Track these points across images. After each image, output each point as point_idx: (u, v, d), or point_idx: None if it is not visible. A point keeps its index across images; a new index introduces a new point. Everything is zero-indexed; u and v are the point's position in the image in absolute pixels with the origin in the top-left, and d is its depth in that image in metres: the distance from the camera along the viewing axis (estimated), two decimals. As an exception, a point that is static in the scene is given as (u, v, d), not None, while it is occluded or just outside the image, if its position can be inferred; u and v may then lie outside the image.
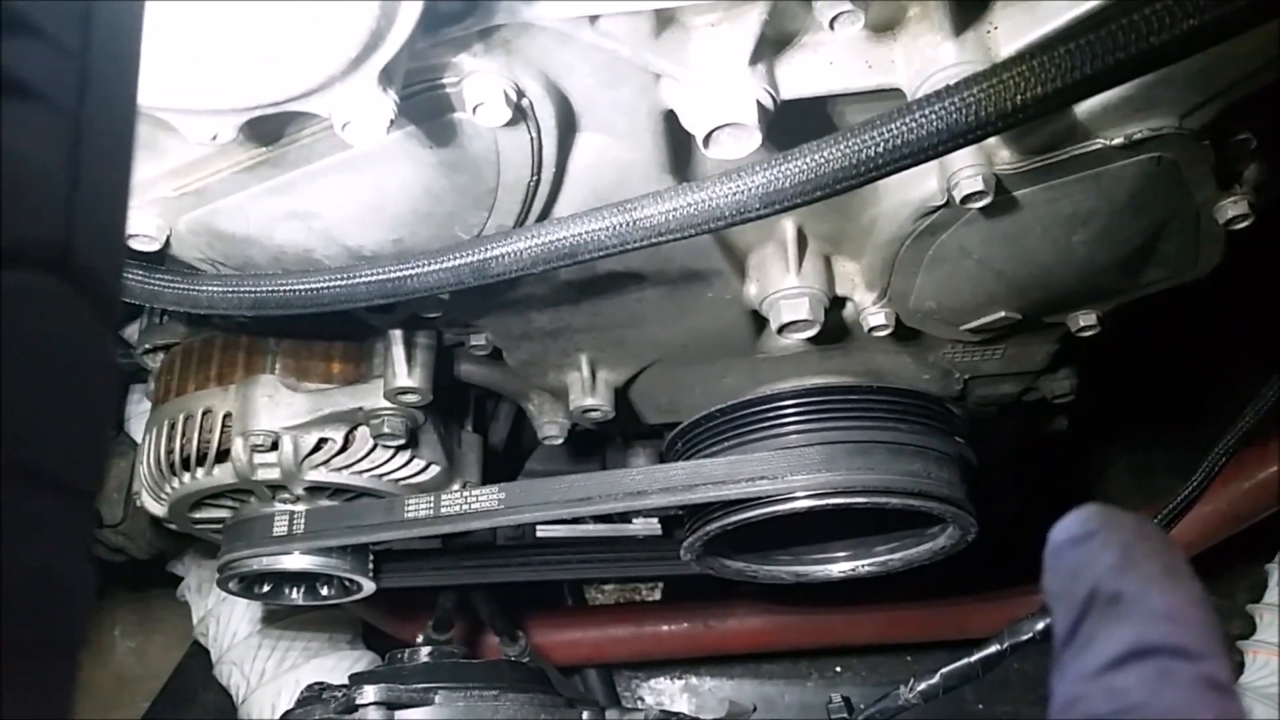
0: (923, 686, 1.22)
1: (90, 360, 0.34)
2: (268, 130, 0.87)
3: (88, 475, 0.33)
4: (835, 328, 1.23)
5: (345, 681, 1.22)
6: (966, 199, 0.95)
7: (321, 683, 1.19)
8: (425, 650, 1.20)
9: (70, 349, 0.33)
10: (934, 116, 0.72)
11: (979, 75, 0.72)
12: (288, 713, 1.14)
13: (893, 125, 0.73)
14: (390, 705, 1.03)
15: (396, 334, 1.22)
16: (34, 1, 0.32)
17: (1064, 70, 0.69)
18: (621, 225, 0.86)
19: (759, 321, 1.24)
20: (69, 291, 0.33)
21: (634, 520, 1.62)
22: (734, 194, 0.81)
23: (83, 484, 0.33)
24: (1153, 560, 0.46)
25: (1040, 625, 1.21)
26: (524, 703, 1.10)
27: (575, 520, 1.53)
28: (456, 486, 1.39)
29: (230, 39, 0.66)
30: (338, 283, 0.94)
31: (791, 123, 0.90)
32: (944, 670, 1.23)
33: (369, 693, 1.03)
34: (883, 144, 0.74)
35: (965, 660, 1.24)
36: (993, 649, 1.24)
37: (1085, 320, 1.22)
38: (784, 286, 1.14)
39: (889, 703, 1.23)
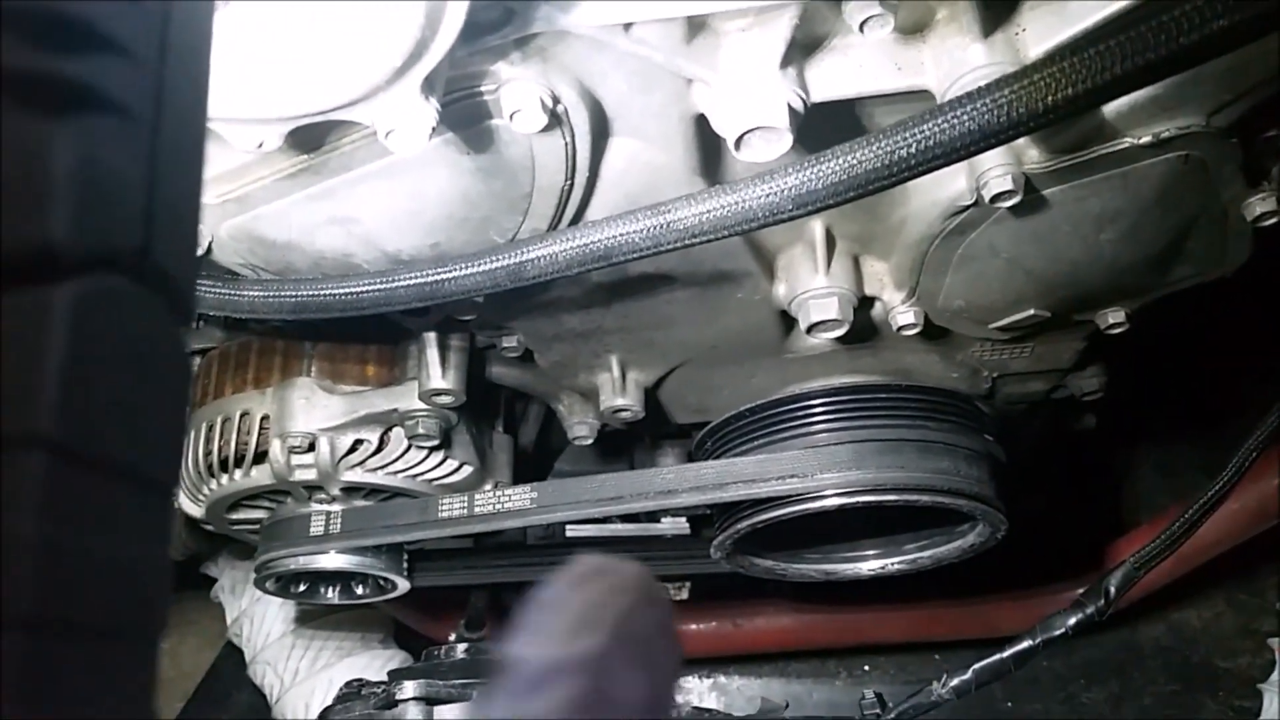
0: (955, 682, 1.23)
1: (167, 358, 0.36)
2: (309, 138, 0.89)
3: (168, 469, 0.35)
4: (864, 327, 1.24)
5: (382, 679, 1.24)
6: (996, 198, 0.96)
7: (360, 679, 1.21)
8: (462, 647, 1.22)
9: (149, 348, 0.35)
10: (966, 117, 0.74)
11: (1010, 76, 0.73)
12: (327, 709, 1.16)
13: (925, 126, 0.74)
14: (429, 701, 1.05)
15: (430, 336, 1.24)
16: (115, 19, 0.34)
17: (1095, 71, 0.70)
18: (655, 228, 0.87)
19: (788, 321, 1.25)
20: (147, 293, 0.35)
21: (662, 519, 1.64)
22: (767, 195, 0.82)
23: (163, 477, 0.35)
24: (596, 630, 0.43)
25: (1073, 621, 1.21)
26: (559, 699, 1.11)
27: (604, 520, 1.55)
28: (488, 486, 1.41)
29: (278, 50, 0.68)
30: (377, 287, 0.95)
31: (820, 125, 0.91)
32: (977, 666, 1.24)
33: (409, 688, 1.04)
34: (915, 145, 0.75)
35: (998, 656, 1.25)
36: (1025, 644, 1.25)
37: (1114, 318, 1.22)
38: (813, 287, 1.15)
39: (922, 698, 1.23)
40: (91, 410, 0.31)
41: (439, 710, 1.05)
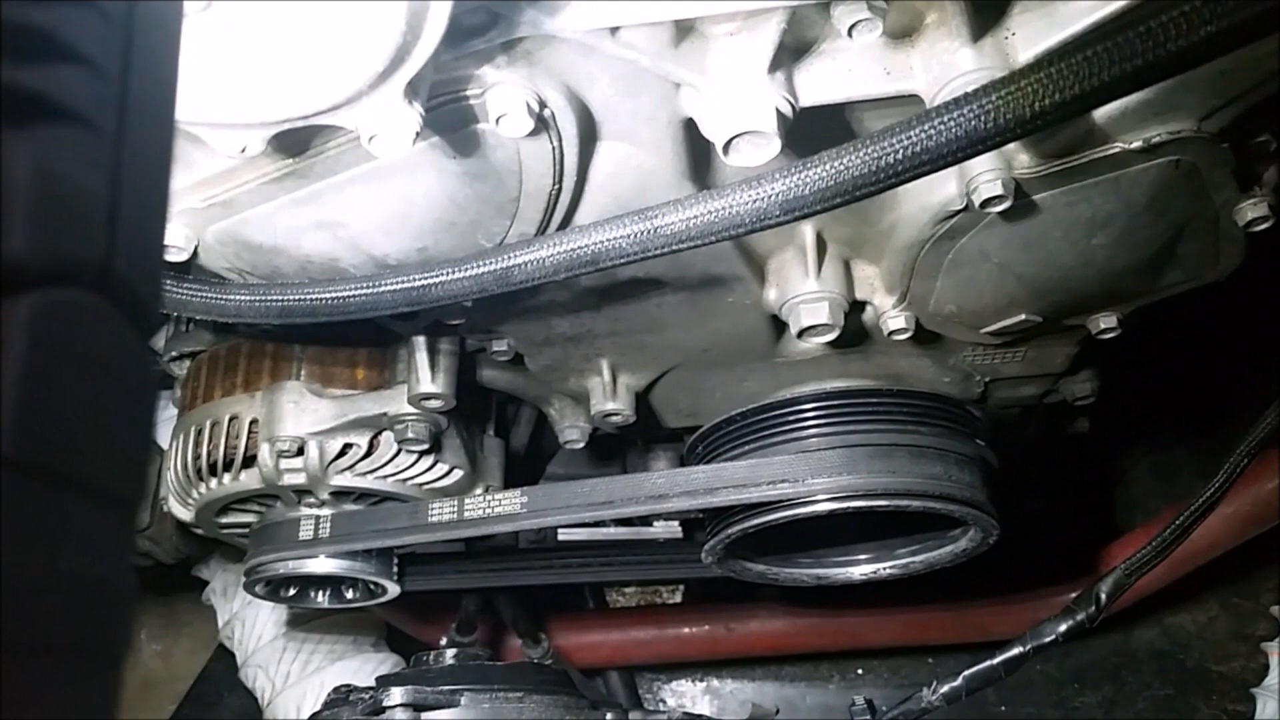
0: (945, 689, 1.22)
1: (130, 373, 0.35)
2: (295, 142, 0.88)
3: (130, 485, 0.34)
4: (855, 332, 1.24)
5: (371, 684, 1.24)
6: (986, 203, 0.96)
7: (349, 685, 1.20)
8: (450, 652, 1.22)
9: (111, 362, 0.34)
10: (953, 123, 0.73)
11: (998, 82, 0.73)
12: (315, 714, 1.15)
13: (912, 132, 0.74)
14: (417, 707, 1.04)
15: (420, 340, 1.24)
16: (76, 27, 0.34)
17: (1082, 76, 0.70)
18: (643, 233, 0.87)
19: (778, 326, 1.25)
20: (109, 307, 0.34)
21: (654, 523, 1.63)
22: (754, 201, 0.82)
23: (126, 493, 0.34)
24: None
25: (1063, 627, 1.21)
26: (549, 704, 1.11)
27: (596, 524, 1.54)
28: (479, 490, 1.41)
29: (259, 54, 0.67)
30: (363, 291, 0.95)
31: (809, 129, 0.91)
32: (967, 673, 1.23)
33: (396, 694, 1.04)
34: (902, 151, 0.74)
35: (988, 662, 1.24)
36: (1016, 651, 1.24)
37: (1106, 322, 1.22)
38: (803, 291, 1.15)
39: (912, 705, 1.23)
40: (50, 426, 0.31)
41: (427, 716, 1.04)
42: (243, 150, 0.77)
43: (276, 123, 0.73)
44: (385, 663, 1.81)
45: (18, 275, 0.31)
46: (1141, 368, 1.64)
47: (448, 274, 0.93)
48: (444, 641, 1.58)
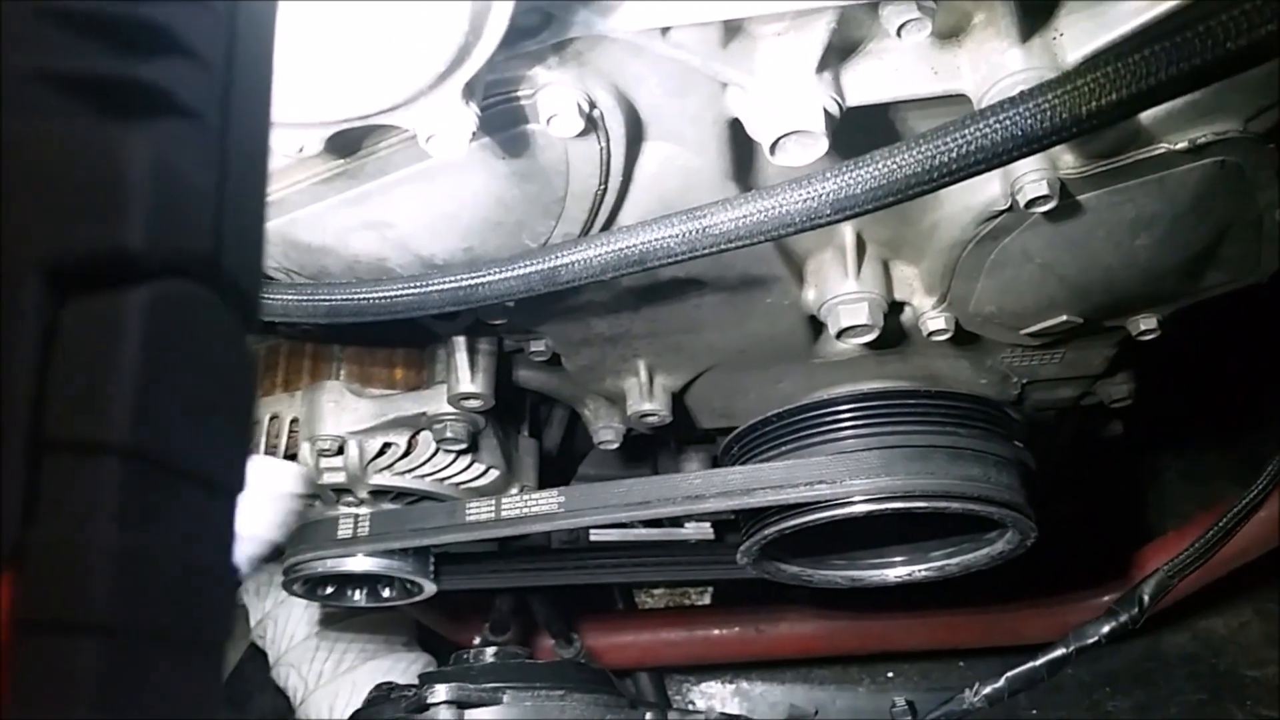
0: (988, 690, 1.22)
1: (235, 365, 0.36)
2: (346, 142, 0.89)
3: (235, 475, 0.35)
4: (893, 332, 1.23)
5: (411, 682, 1.24)
6: (1031, 203, 0.96)
7: (390, 682, 1.21)
8: (490, 651, 1.22)
9: (218, 354, 0.35)
10: (1009, 122, 0.73)
11: (1054, 81, 0.73)
12: (357, 712, 1.16)
13: (967, 130, 0.74)
14: (461, 704, 1.05)
15: (460, 340, 1.24)
16: (186, 22, 0.34)
17: (1139, 76, 0.70)
18: (691, 232, 0.87)
19: (816, 326, 1.25)
20: (217, 300, 0.35)
21: (686, 524, 1.63)
22: (805, 200, 0.82)
23: (232, 483, 0.35)
24: None
25: (1106, 629, 1.20)
26: (589, 703, 1.11)
27: (628, 525, 1.55)
28: (515, 490, 1.41)
29: (322, 54, 0.68)
30: (411, 290, 0.95)
31: (851, 130, 0.91)
32: (1010, 674, 1.23)
33: (440, 691, 1.04)
34: (957, 150, 0.74)
35: (1031, 663, 1.24)
36: (1059, 652, 1.24)
37: (1146, 324, 1.21)
38: (843, 292, 1.15)
39: (954, 706, 1.22)
40: (164, 416, 0.31)
41: (470, 714, 1.05)
42: (300, 150, 0.77)
43: (336, 123, 0.74)
44: (417, 662, 1.81)
45: (136, 266, 0.31)
46: (1173, 370, 1.63)
47: (495, 274, 0.94)
48: (477, 641, 1.58)
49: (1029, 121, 0.73)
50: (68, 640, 0.29)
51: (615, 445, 1.47)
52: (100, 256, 0.31)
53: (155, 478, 0.31)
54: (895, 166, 0.78)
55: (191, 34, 0.34)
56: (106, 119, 0.32)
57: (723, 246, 0.87)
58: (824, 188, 0.81)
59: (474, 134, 0.76)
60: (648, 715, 1.18)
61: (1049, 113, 0.73)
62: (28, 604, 0.29)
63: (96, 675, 0.29)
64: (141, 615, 0.31)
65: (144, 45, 0.33)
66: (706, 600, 2.13)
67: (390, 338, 1.32)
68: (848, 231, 1.14)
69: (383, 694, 1.15)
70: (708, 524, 1.62)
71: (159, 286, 0.32)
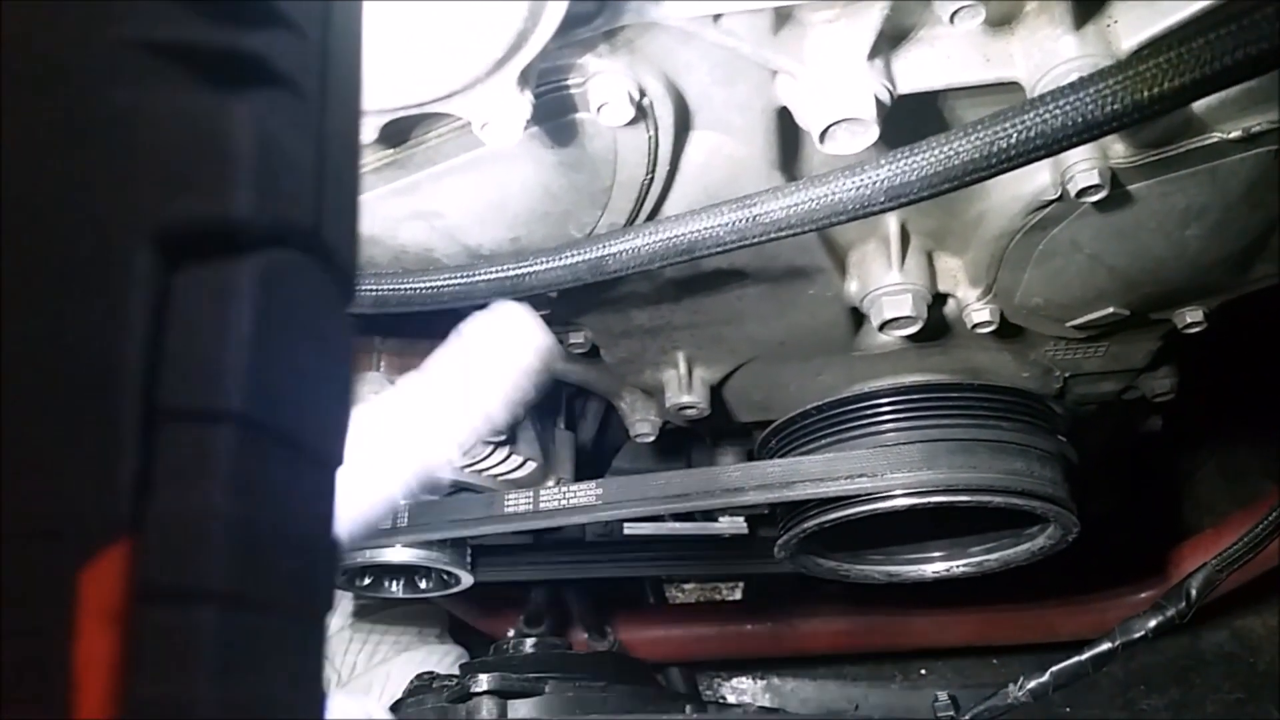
0: (1032, 684, 1.21)
1: (336, 335, 0.36)
2: (396, 132, 0.89)
3: (337, 446, 0.35)
4: (935, 325, 1.23)
5: (451, 672, 1.24)
6: (1082, 193, 0.95)
7: (431, 672, 1.21)
8: (530, 642, 1.22)
9: (321, 324, 0.35)
10: (1069, 108, 0.72)
11: (1115, 67, 0.72)
12: (399, 701, 1.16)
13: (1027, 117, 0.73)
14: (503, 694, 1.05)
15: (500, 332, 1.24)
16: None
17: (1204, 61, 0.69)
18: (741, 221, 0.87)
19: (857, 318, 1.24)
20: (319, 270, 0.34)
21: (720, 519, 1.63)
22: (858, 188, 0.81)
23: (334, 455, 0.35)
24: None
25: (1153, 623, 1.19)
26: (630, 695, 1.11)
27: (662, 518, 1.54)
28: (551, 483, 1.41)
29: (380, 41, 0.68)
30: (458, 281, 0.95)
31: (896, 118, 0.90)
32: (1055, 668, 1.22)
33: (483, 681, 1.05)
34: (1016, 135, 0.74)
35: (1076, 658, 1.23)
36: (1105, 647, 1.23)
37: (1192, 317, 1.20)
38: (886, 283, 1.14)
39: (998, 701, 1.22)
40: (275, 385, 0.31)
41: (512, 704, 1.05)
42: (354, 137, 0.77)
43: (391, 110, 0.74)
44: (450, 655, 1.82)
45: (244, 236, 0.31)
46: (1210, 365, 1.62)
47: (542, 263, 0.94)
48: (512, 633, 1.58)
49: (1090, 107, 0.73)
50: (186, 609, 0.29)
51: (651, 438, 1.46)
52: (210, 226, 0.31)
53: (267, 447, 0.31)
54: (952, 153, 0.77)
55: (288, 6, 0.34)
56: (211, 89, 0.32)
57: (772, 235, 0.87)
58: (878, 175, 0.80)
59: (528, 122, 0.76)
60: (688, 708, 1.17)
61: (1110, 98, 0.72)
62: (146, 573, 0.29)
63: (216, 644, 0.29)
64: (257, 584, 0.31)
65: (245, 15, 0.33)
66: (737, 595, 2.13)
67: (429, 330, 1.32)
68: (892, 222, 1.13)
69: (424, 683, 1.15)
70: (741, 518, 1.62)
71: (269, 255, 0.32)
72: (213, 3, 0.33)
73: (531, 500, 1.32)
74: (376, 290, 0.98)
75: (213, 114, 0.32)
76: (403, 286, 0.97)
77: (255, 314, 0.31)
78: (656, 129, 0.92)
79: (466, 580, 1.43)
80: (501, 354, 0.68)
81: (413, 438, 0.62)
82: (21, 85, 0.31)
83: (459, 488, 1.36)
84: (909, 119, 0.91)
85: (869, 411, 1.29)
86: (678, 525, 1.60)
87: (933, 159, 0.78)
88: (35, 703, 0.28)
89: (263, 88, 0.33)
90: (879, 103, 0.86)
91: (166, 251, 0.31)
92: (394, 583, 1.47)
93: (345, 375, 0.36)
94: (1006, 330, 1.21)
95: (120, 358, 0.30)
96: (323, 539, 0.34)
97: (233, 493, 0.30)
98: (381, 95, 0.73)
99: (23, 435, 0.29)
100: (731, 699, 2.01)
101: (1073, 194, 0.95)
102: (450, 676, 1.16)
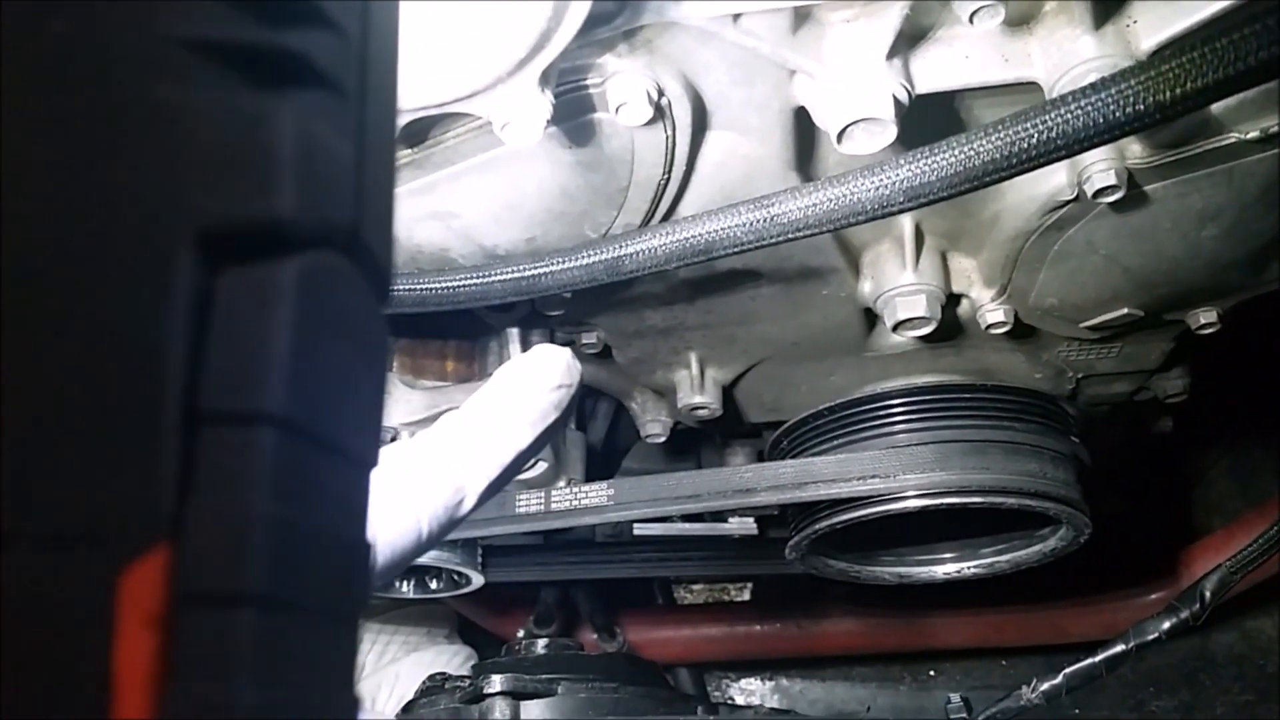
0: (1046, 686, 1.21)
1: (372, 337, 0.35)
2: (414, 132, 0.89)
3: (372, 448, 0.35)
4: (948, 325, 1.22)
5: (463, 673, 1.24)
6: (1098, 193, 0.95)
7: (443, 673, 1.21)
8: (542, 642, 1.22)
9: (358, 326, 0.34)
10: (1090, 108, 0.72)
11: (1137, 67, 0.72)
12: (411, 701, 1.16)
13: (1048, 117, 0.73)
14: (516, 695, 1.05)
15: (513, 332, 1.24)
16: None
17: (1226, 62, 0.69)
18: (759, 221, 0.86)
19: (870, 319, 1.24)
20: (357, 272, 0.34)
21: (730, 520, 1.63)
22: (877, 188, 0.81)
23: (369, 456, 0.34)
24: None
25: (1167, 625, 1.19)
26: (642, 696, 1.11)
27: (671, 519, 1.54)
28: (563, 483, 1.41)
29: (407, 44, 0.67)
30: (474, 281, 0.95)
31: (912, 118, 0.90)
32: (1068, 670, 1.22)
33: (496, 681, 1.04)
34: (1037, 135, 0.74)
35: (1089, 660, 1.23)
36: (1118, 648, 1.22)
37: (1206, 318, 1.20)
38: (900, 283, 1.14)
39: (1011, 703, 1.21)
40: (315, 388, 0.31)
41: (525, 704, 1.05)
42: (373, 137, 0.77)
43: (412, 110, 0.74)
44: (458, 655, 1.82)
45: (287, 237, 0.31)
46: (1221, 365, 1.61)
47: (558, 263, 0.94)
48: (522, 634, 1.58)
49: (1111, 107, 0.72)
50: (227, 612, 0.29)
51: (662, 439, 1.46)
52: (253, 226, 0.31)
53: (307, 449, 0.31)
54: (973, 153, 0.77)
55: (329, 5, 0.33)
56: (255, 88, 0.32)
57: (790, 236, 0.87)
58: (898, 175, 0.80)
59: (549, 122, 0.76)
60: (699, 709, 1.17)
61: (1132, 99, 0.72)
62: (186, 576, 0.29)
63: (256, 646, 0.29)
64: (296, 587, 0.30)
65: (288, 15, 0.32)
66: (746, 596, 2.13)
67: (442, 330, 1.32)
68: (907, 222, 1.13)
69: (437, 684, 1.15)
70: (751, 519, 1.62)
71: (311, 257, 0.31)
72: (256, 2, 0.32)
73: (543, 501, 1.31)
74: (393, 290, 0.98)
75: (256, 114, 0.32)
76: (419, 286, 0.97)
77: (298, 316, 0.31)
78: (674, 129, 0.92)
79: (477, 580, 1.43)
80: (536, 400, 0.67)
81: (441, 485, 0.61)
82: (64, 83, 0.30)
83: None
84: (923, 120, 0.91)
85: (881, 412, 1.29)
86: (687, 526, 1.60)
87: (953, 159, 0.78)
88: (74, 706, 0.28)
89: (305, 88, 0.33)
90: (897, 102, 0.86)
91: (209, 252, 0.31)
92: (405, 583, 1.47)
93: (380, 376, 0.36)
94: (1020, 331, 1.21)
95: (162, 360, 0.29)
96: (358, 540, 0.34)
97: (274, 496, 0.29)
98: (405, 96, 0.73)
99: (63, 438, 0.29)
100: (740, 700, 2.01)
101: (1089, 194, 0.95)
102: (462, 677, 1.16)
